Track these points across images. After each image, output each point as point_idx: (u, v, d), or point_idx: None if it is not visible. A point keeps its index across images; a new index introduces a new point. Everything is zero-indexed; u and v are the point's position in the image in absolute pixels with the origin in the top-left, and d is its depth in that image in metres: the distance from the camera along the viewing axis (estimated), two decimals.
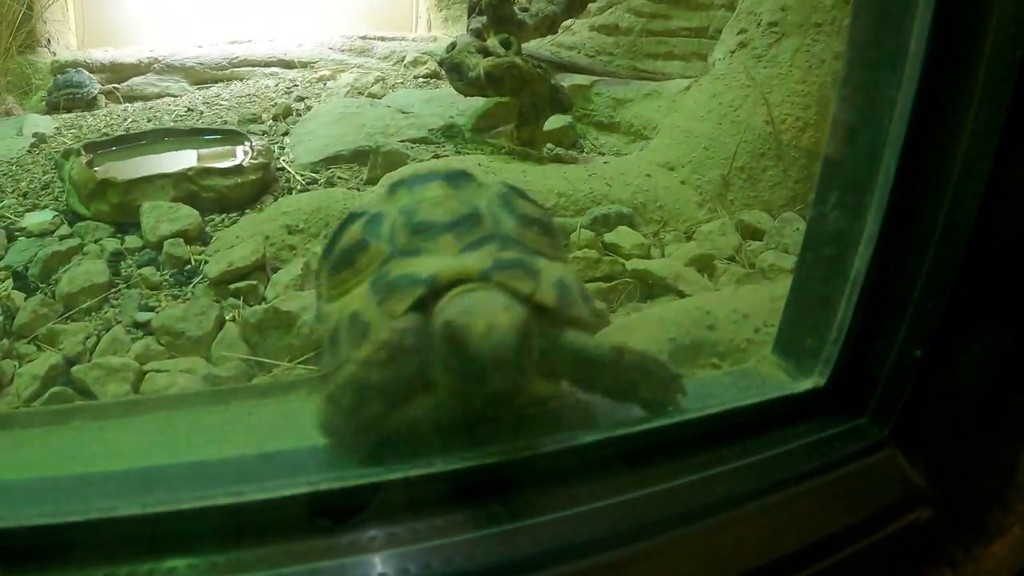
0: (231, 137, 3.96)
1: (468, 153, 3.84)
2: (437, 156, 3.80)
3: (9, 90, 5.74)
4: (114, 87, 5.95)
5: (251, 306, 2.59)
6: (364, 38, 6.75)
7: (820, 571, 1.10)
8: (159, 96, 5.89)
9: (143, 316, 2.60)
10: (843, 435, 1.20)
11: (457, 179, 1.26)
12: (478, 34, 5.02)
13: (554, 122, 3.81)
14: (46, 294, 2.80)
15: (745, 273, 2.77)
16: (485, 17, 4.94)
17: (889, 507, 1.17)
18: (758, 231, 3.11)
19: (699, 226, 3.17)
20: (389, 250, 1.18)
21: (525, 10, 4.50)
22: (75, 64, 6.05)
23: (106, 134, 4.54)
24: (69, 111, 5.54)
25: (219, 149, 3.89)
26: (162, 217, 3.07)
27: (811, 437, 1.18)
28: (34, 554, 0.90)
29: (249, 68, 6.32)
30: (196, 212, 3.13)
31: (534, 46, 4.96)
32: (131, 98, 5.87)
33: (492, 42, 3.97)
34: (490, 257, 1.14)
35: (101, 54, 6.31)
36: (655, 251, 2.97)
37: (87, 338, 2.53)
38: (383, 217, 1.23)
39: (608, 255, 2.82)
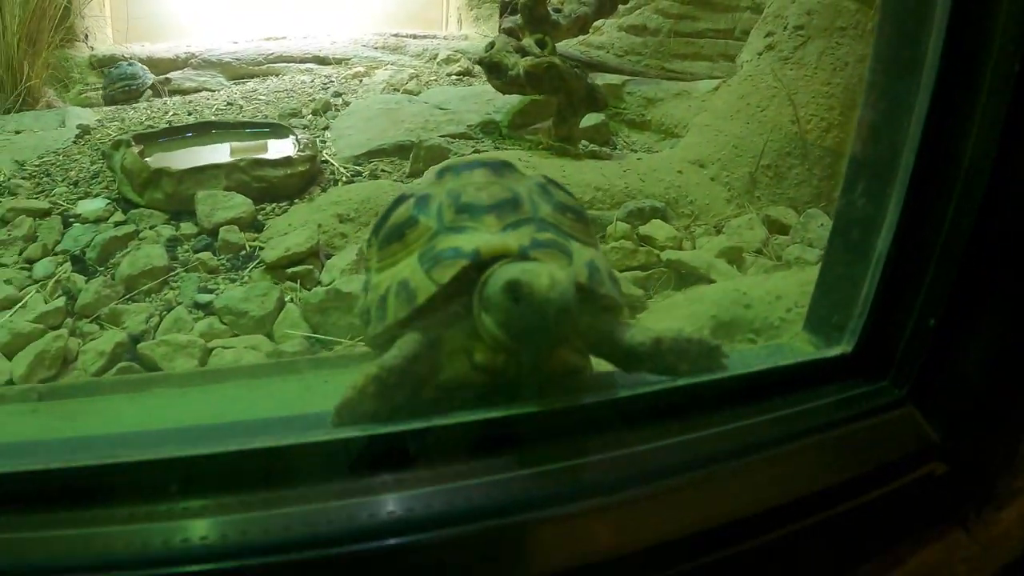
0: (276, 131, 4.11)
1: (508, 148, 3.99)
2: (477, 151, 3.95)
3: (49, 84, 5.89)
4: (166, 78, 6.13)
5: (307, 289, 2.77)
6: (396, 36, 6.88)
7: (847, 511, 1.27)
8: (197, 90, 6.02)
9: (203, 298, 2.79)
10: (867, 394, 1.37)
11: (499, 168, 1.41)
12: (511, 33, 5.18)
13: (589, 120, 3.96)
14: (106, 276, 2.96)
15: (772, 265, 2.94)
16: (518, 17, 5.12)
17: (907, 457, 1.35)
18: (784, 226, 3.29)
19: (728, 220, 3.34)
20: (436, 226, 1.31)
21: (558, 11, 4.63)
22: (113, 59, 6.20)
23: (151, 126, 4.70)
24: (124, 103, 5.68)
25: (265, 142, 4.06)
26: (217, 205, 3.25)
27: (839, 396, 1.35)
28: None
29: (284, 64, 6.44)
30: (249, 201, 3.31)
31: (564, 46, 5.11)
32: (170, 92, 6.02)
33: (528, 42, 4.13)
34: (528, 236, 1.26)
35: (139, 48, 6.46)
36: (687, 243, 3.14)
37: (149, 317, 2.72)
38: (431, 198, 1.36)
39: (643, 246, 2.99)
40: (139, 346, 2.55)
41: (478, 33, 6.97)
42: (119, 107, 5.63)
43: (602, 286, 1.29)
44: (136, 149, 3.61)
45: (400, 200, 1.45)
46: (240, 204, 3.26)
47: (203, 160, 3.68)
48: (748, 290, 2.11)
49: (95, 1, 6.47)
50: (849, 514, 1.30)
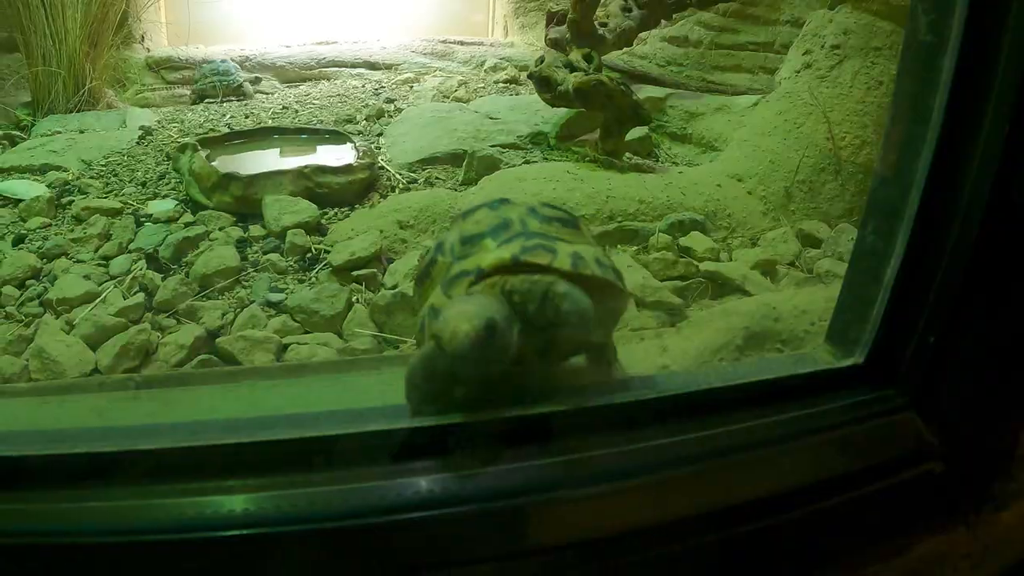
0: (334, 137, 4.38)
1: (555, 160, 4.21)
2: (527, 161, 4.19)
3: (108, 84, 6.13)
4: (257, 76, 6.40)
5: (371, 291, 3.03)
6: (444, 42, 7.08)
7: (854, 497, 1.51)
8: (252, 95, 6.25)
9: (274, 296, 3.03)
10: (873, 400, 1.61)
11: (496, 204, 1.67)
12: (556, 43, 5.40)
13: (633, 133, 4.16)
14: (182, 275, 3.21)
15: (804, 278, 3.16)
16: (564, 28, 5.34)
17: (907, 455, 1.58)
18: (816, 239, 3.49)
19: (763, 233, 3.56)
20: (451, 259, 1.59)
21: (604, 25, 4.84)
22: (169, 61, 6.53)
23: (212, 129, 4.97)
24: (216, 100, 5.97)
25: (324, 148, 4.31)
26: (284, 209, 3.50)
27: (848, 400, 1.59)
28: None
29: (336, 68, 6.68)
30: (314, 206, 3.56)
31: (608, 58, 5.32)
32: (225, 94, 6.31)
33: (575, 56, 4.34)
34: (518, 246, 1.51)
35: (194, 51, 6.73)
36: (724, 255, 3.36)
37: (224, 314, 2.97)
38: (445, 240, 1.65)
39: (683, 257, 3.22)
40: (218, 340, 2.80)
41: (524, 41, 7.16)
42: (177, 108, 5.91)
43: (586, 268, 1.52)
44: (203, 153, 3.87)
45: (426, 250, 1.77)
46: (306, 209, 3.51)
47: (267, 165, 3.94)
48: (778, 305, 2.34)
49: (151, 5, 6.72)
50: (857, 500, 1.53)
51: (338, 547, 1.29)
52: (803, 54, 4.29)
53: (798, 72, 4.25)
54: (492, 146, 4.31)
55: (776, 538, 1.50)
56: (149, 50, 6.78)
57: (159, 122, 5.48)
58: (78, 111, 5.69)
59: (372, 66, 6.75)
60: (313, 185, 3.68)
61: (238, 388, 2.34)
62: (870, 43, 4.06)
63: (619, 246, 3.39)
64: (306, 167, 3.70)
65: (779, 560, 1.55)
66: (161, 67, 6.57)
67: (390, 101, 5.60)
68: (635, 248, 3.37)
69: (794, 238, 3.48)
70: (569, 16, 4.65)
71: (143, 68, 6.60)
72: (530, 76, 4.37)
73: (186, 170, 3.89)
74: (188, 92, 6.34)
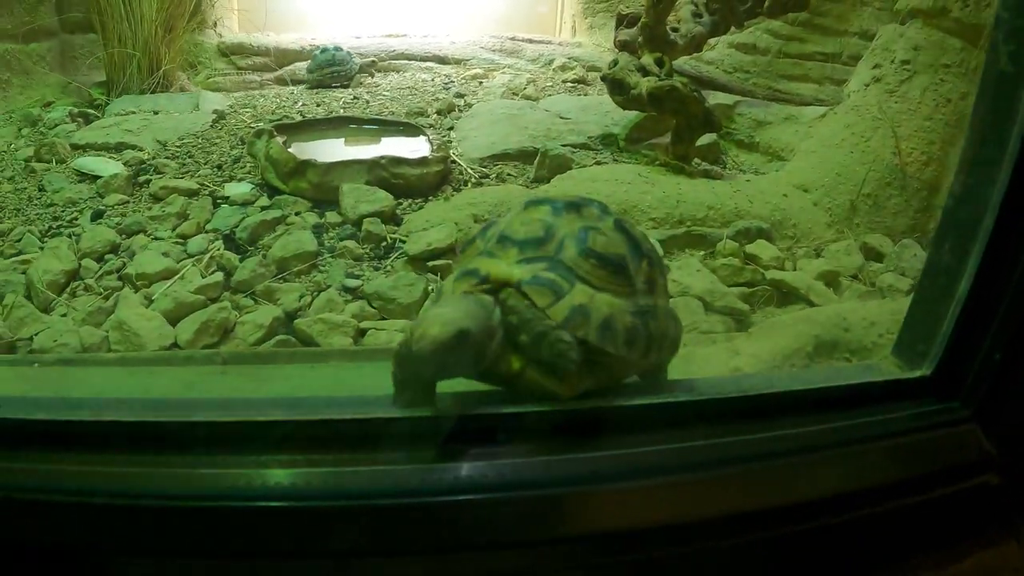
0: (408, 129, 4.51)
1: (625, 162, 4.32)
2: (598, 162, 4.30)
3: (181, 68, 6.34)
4: (373, 61, 6.58)
5: (445, 280, 3.14)
6: (513, 39, 7.20)
7: (913, 504, 1.59)
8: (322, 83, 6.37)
9: (351, 282, 3.17)
10: (938, 411, 1.69)
11: (560, 209, 1.59)
12: (625, 46, 5.49)
13: (702, 139, 4.26)
14: (259, 257, 3.33)
15: (867, 291, 3.25)
16: (635, 30, 5.42)
17: (967, 465, 1.66)
18: (880, 254, 3.58)
19: (828, 244, 3.64)
20: (482, 248, 1.56)
21: (675, 30, 4.93)
22: (241, 47, 6.71)
23: (287, 116, 5.11)
24: (331, 87, 6.13)
25: (398, 139, 4.45)
26: (361, 198, 3.64)
27: (915, 410, 1.67)
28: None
29: (406, 61, 6.80)
30: (390, 196, 3.69)
31: (676, 62, 5.41)
32: (296, 81, 6.44)
33: (647, 60, 4.44)
34: (532, 273, 1.45)
35: (265, 38, 6.90)
36: (788, 263, 3.45)
37: (301, 297, 3.12)
38: (495, 225, 1.61)
39: (749, 264, 3.32)
40: (296, 322, 2.94)
41: (592, 41, 7.26)
42: (248, 93, 6.11)
43: (579, 328, 1.44)
44: (280, 139, 4.00)
45: (479, 227, 1.74)
46: (382, 198, 3.65)
47: (343, 154, 4.07)
48: (847, 315, 2.43)
49: None
50: (915, 507, 1.61)
51: (376, 524, 1.37)
52: (872, 68, 4.35)
53: (867, 86, 4.31)
54: (563, 145, 4.41)
55: (833, 539, 1.58)
56: (221, 36, 6.95)
57: (231, 106, 5.62)
58: (151, 92, 5.86)
59: (441, 60, 6.87)
60: (389, 176, 3.80)
61: (323, 368, 2.45)
62: (940, 60, 4.12)
63: (688, 250, 3.48)
64: (383, 158, 3.82)
65: (836, 560, 1.64)
66: (233, 53, 6.73)
67: (460, 96, 5.70)
68: (703, 253, 3.46)
69: (857, 251, 3.56)
70: (642, 20, 4.73)
71: (215, 53, 6.78)
72: (603, 78, 4.48)
73: (262, 155, 4.01)
74: (259, 78, 6.50)
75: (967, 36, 4.06)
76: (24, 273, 3.29)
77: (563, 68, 6.59)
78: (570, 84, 6.20)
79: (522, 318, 1.45)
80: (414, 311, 2.96)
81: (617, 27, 6.05)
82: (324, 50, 6.28)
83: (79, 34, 6.45)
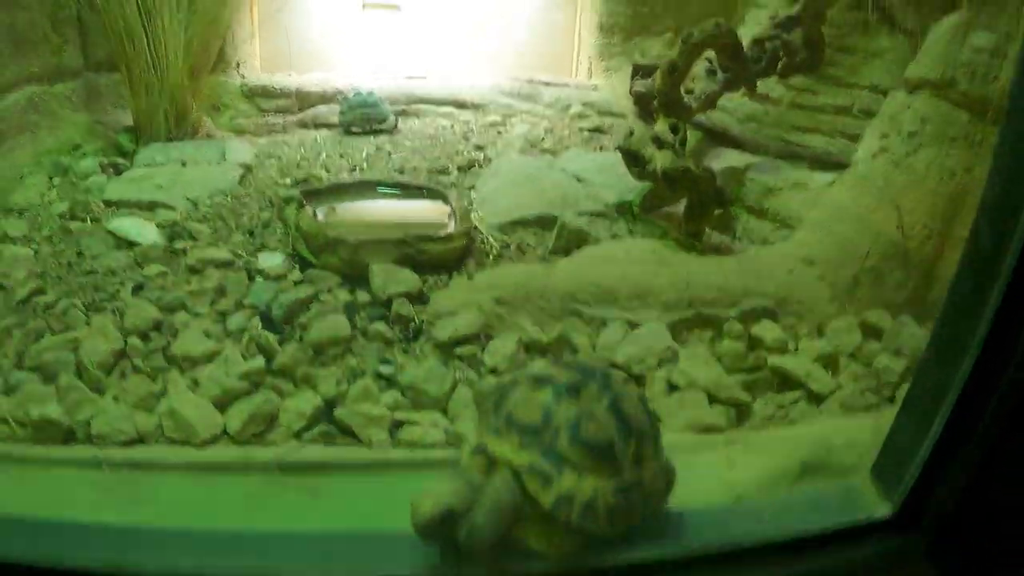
0: (432, 194, 4.83)
1: (639, 234, 4.65)
2: (614, 235, 4.61)
3: (207, 111, 6.64)
4: (403, 109, 6.88)
5: (473, 369, 3.48)
6: (530, 82, 7.49)
7: None
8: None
9: (385, 369, 3.47)
10: (898, 548, 2.00)
11: (563, 392, 1.91)
12: (640, 98, 5.91)
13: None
14: (297, 340, 3.64)
15: (863, 373, 3.57)
16: (649, 83, 5.77)
17: None
18: (879, 330, 3.84)
19: (830, 320, 3.91)
20: (493, 426, 1.90)
21: (690, 92, 5.22)
22: (264, 90, 7.05)
23: (312, 175, 5.43)
24: (363, 133, 6.45)
25: (422, 205, 4.78)
26: (389, 279, 3.93)
27: (876, 548, 1.99)
28: None
29: (425, 106, 7.11)
30: (416, 277, 3.99)
31: None
32: (318, 125, 6.76)
33: (662, 127, 4.70)
34: (527, 459, 1.81)
35: (287, 79, 7.24)
36: (791, 343, 3.75)
37: (339, 383, 3.41)
38: (506, 401, 1.94)
39: (753, 350, 3.65)
40: (336, 412, 3.25)
41: (608, 84, 7.53)
42: (272, 139, 6.46)
43: (564, 513, 1.79)
44: (310, 209, 4.32)
45: (500, 387, 2.06)
46: (409, 279, 3.95)
47: (370, 223, 4.42)
48: (831, 436, 2.78)
49: (244, 30, 7.21)
50: None
51: None
52: (880, 137, 4.56)
53: (874, 156, 4.53)
54: (580, 213, 4.73)
55: None
56: (244, 76, 7.27)
57: (257, 156, 5.96)
58: (179, 140, 6.18)
59: (460, 105, 7.15)
60: (415, 252, 4.10)
61: (371, 480, 2.82)
62: (946, 133, 4.26)
63: (696, 331, 3.80)
64: (409, 235, 4.12)
65: None
66: (256, 95, 7.06)
67: (479, 148, 6.04)
68: (711, 334, 3.78)
69: (857, 329, 3.85)
70: (657, 86, 5.01)
71: (238, 94, 7.11)
72: (619, 149, 4.75)
73: (293, 225, 4.33)
74: (282, 121, 6.81)
75: (974, 109, 4.17)
76: (74, 351, 3.54)
77: (580, 116, 6.89)
78: (587, 133, 6.53)
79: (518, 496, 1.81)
80: (444, 402, 3.28)
81: (633, 77, 6.41)
82: (357, 93, 6.56)
83: (103, 73, 6.75)
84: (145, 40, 5.99)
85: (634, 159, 4.63)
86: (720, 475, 2.77)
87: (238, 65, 7.30)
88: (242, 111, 7.03)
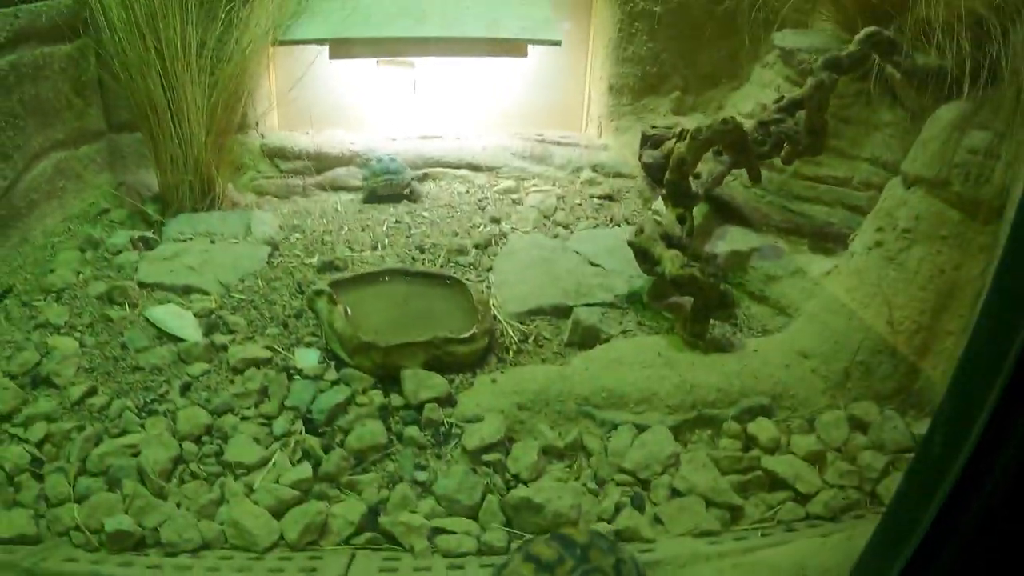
0: (454, 284, 5.38)
1: (647, 327, 5.20)
2: (624, 330, 5.14)
3: (230, 175, 7.18)
4: (424, 173, 7.42)
5: (499, 475, 4.07)
6: (542, 141, 7.92)
7: None
8: (360, 188, 7.25)
9: (420, 475, 4.06)
10: None
11: (544, 569, 2.70)
12: (648, 168, 6.59)
13: None
14: (338, 443, 4.23)
15: (847, 470, 4.20)
16: (658, 152, 6.41)
17: None
18: (865, 424, 4.42)
19: (821, 413, 4.48)
20: None
21: (697, 177, 5.71)
22: (282, 151, 7.53)
23: (337, 258, 6.00)
24: (384, 199, 7.04)
25: (447, 297, 5.33)
26: (420, 384, 4.50)
27: None
28: None
29: (441, 169, 7.60)
30: (444, 381, 4.55)
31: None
32: (336, 187, 7.39)
33: (669, 219, 5.30)
34: None
35: (305, 140, 7.67)
36: (784, 439, 4.37)
37: (380, 488, 4.02)
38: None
39: (748, 449, 4.29)
40: (380, 520, 3.86)
41: (617, 144, 7.98)
42: (295, 209, 7.01)
43: None
44: (342, 309, 4.91)
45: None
46: (439, 384, 4.53)
47: (400, 319, 5.07)
48: (807, 561, 3.37)
49: (263, 90, 7.69)
50: None
51: None
52: (876, 231, 5.00)
53: (870, 249, 4.99)
54: (592, 304, 5.35)
55: None
56: (264, 136, 7.78)
57: (281, 228, 6.54)
58: (205, 210, 6.76)
59: (474, 168, 7.65)
60: (442, 354, 4.68)
61: None
62: (938, 231, 4.65)
63: (697, 431, 4.43)
64: (436, 338, 4.69)
65: None
66: (275, 155, 7.61)
67: (495, 221, 6.61)
68: (711, 432, 4.42)
69: (845, 423, 4.44)
70: (667, 177, 5.52)
71: (258, 154, 7.63)
72: (630, 244, 5.28)
73: (326, 322, 4.92)
74: (301, 182, 7.42)
75: (966, 209, 4.53)
76: (135, 456, 4.09)
77: (591, 183, 7.41)
78: (597, 202, 7.10)
79: None
80: (476, 511, 3.90)
81: (642, 146, 6.95)
82: (379, 160, 7.08)
83: (125, 133, 7.27)
84: (168, 112, 6.50)
85: (644, 256, 5.17)
86: None
87: (257, 124, 7.75)
88: (262, 171, 7.53)
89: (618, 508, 3.97)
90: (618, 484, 4.12)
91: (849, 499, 4.11)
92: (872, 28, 5.54)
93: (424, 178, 7.53)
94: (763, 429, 4.41)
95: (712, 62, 7.98)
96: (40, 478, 4.08)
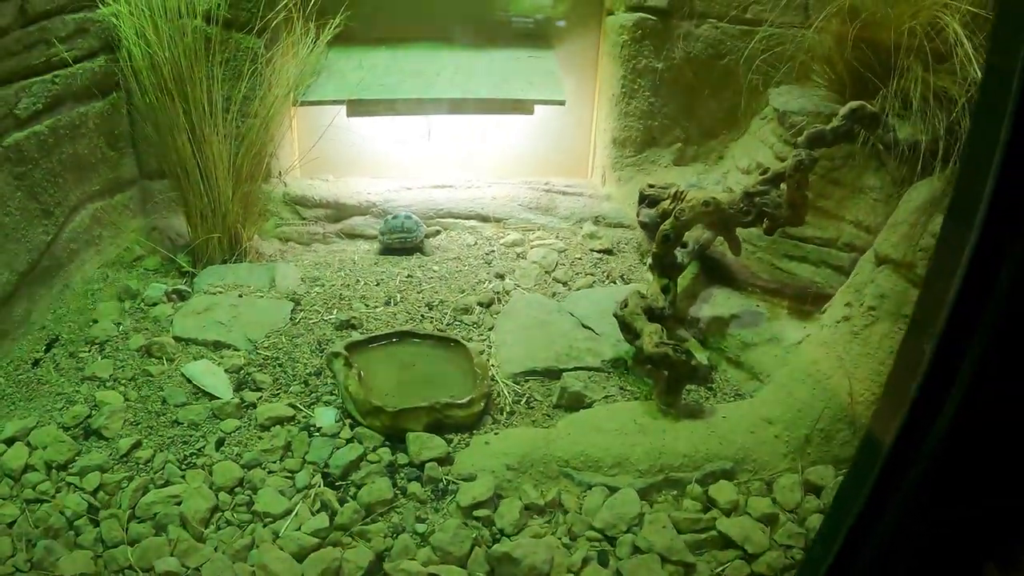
0: (457, 348, 6.22)
1: (628, 391, 5.96)
2: (607, 395, 5.73)
3: (256, 225, 7.96)
4: (437, 229, 8.35)
5: (487, 528, 4.72)
6: (548, 190, 8.83)
7: None
8: (376, 237, 8.09)
9: (420, 527, 4.68)
10: None
11: None
12: (644, 226, 7.38)
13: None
14: (351, 496, 4.89)
15: (796, 532, 4.86)
16: (654, 212, 7.14)
17: None
18: (819, 487, 4.93)
19: (779, 476, 5.02)
20: None
21: (684, 246, 6.46)
22: (304, 200, 8.45)
23: (354, 318, 6.81)
24: (399, 253, 7.94)
25: (449, 360, 6.15)
26: (423, 446, 5.19)
27: None
28: None
29: (452, 219, 8.48)
30: (444, 442, 5.23)
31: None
32: (353, 236, 8.32)
33: (654, 289, 6.11)
34: None
35: (326, 189, 8.56)
36: (742, 500, 4.89)
37: (385, 537, 4.61)
38: None
39: (707, 510, 4.85)
40: (385, 566, 4.47)
41: (620, 193, 8.66)
42: (317, 262, 7.86)
43: None
44: (355, 374, 5.78)
45: None
46: (439, 445, 5.20)
47: (406, 383, 5.95)
48: None
49: (284, 139, 8.39)
50: None
51: None
52: (844, 306, 5.57)
53: (838, 323, 5.57)
54: (580, 368, 6.20)
55: None
56: (286, 184, 8.55)
57: (303, 281, 7.36)
58: (232, 262, 7.67)
59: (483, 219, 8.53)
60: (443, 417, 5.35)
61: None
62: (900, 310, 5.11)
63: (663, 492, 5.14)
64: (438, 403, 5.49)
65: None
66: (296, 203, 8.51)
67: (500, 277, 7.44)
68: (674, 494, 5.11)
69: (799, 487, 4.98)
70: (653, 251, 6.27)
71: (281, 202, 8.46)
72: (615, 316, 6.04)
73: (342, 384, 5.73)
74: (322, 230, 8.33)
75: None
76: (178, 506, 4.76)
77: (591, 236, 8.22)
78: (596, 256, 7.92)
79: None
80: (464, 560, 4.57)
81: (640, 204, 7.73)
82: (396, 217, 7.93)
83: (156, 180, 8.09)
84: (197, 170, 7.24)
85: (627, 328, 5.96)
86: None
87: (280, 174, 8.56)
88: (285, 219, 8.42)
89: (585, 562, 4.60)
90: (588, 540, 4.74)
91: (793, 559, 4.62)
92: (856, 103, 6.13)
93: (433, 233, 8.34)
94: (723, 492, 4.99)
95: (712, 115, 8.73)
96: (96, 523, 4.75)
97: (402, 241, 7.91)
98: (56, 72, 6.69)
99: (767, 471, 5.23)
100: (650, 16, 8.45)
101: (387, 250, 7.96)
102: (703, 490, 5.10)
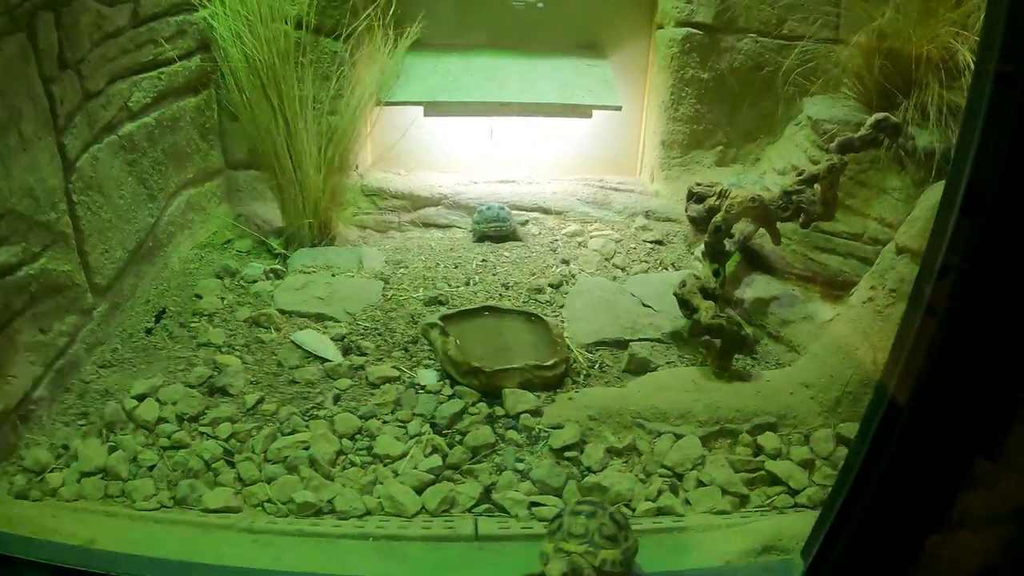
0: (538, 321, 6.81)
1: (685, 359, 6.65)
2: (668, 361, 6.58)
3: (339, 215, 8.52)
4: (526, 221, 8.91)
5: (575, 466, 5.31)
6: (602, 186, 9.54)
7: None
8: (448, 227, 8.88)
9: (519, 466, 5.23)
10: None
11: (591, 515, 4.25)
12: (693, 221, 8.19)
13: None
14: (458, 442, 5.43)
15: (831, 473, 5.33)
16: (701, 207, 7.99)
17: None
18: (848, 440, 5.45)
19: (815, 431, 5.65)
20: (564, 535, 4.12)
21: (731, 236, 7.13)
22: (381, 192, 9.13)
23: (441, 294, 7.44)
24: (493, 241, 8.61)
25: (533, 330, 6.83)
26: (517, 400, 5.80)
27: None
28: None
29: (517, 211, 9.02)
30: (534, 396, 5.84)
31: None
32: (427, 225, 8.99)
33: (706, 273, 6.78)
34: (583, 549, 4.03)
35: (400, 182, 9.21)
36: (785, 449, 5.50)
37: (491, 474, 5.18)
38: (564, 520, 4.27)
39: (756, 455, 5.50)
40: (493, 495, 5.02)
41: (668, 191, 9.50)
42: (396, 246, 8.62)
43: (604, 568, 4.04)
44: (452, 340, 6.20)
45: (560, 513, 4.33)
46: (531, 400, 5.84)
47: (500, 348, 6.65)
48: (783, 531, 4.39)
49: (361, 133, 8.82)
50: None
51: None
52: (870, 288, 6.03)
53: (863, 303, 6.05)
54: (644, 339, 6.89)
55: None
56: (363, 176, 9.14)
57: (387, 264, 8.01)
58: (320, 245, 8.23)
59: (545, 211, 9.21)
60: (531, 377, 6.03)
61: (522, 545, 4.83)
62: None
63: (719, 440, 5.71)
64: (527, 365, 6.08)
65: None
66: (373, 195, 9.18)
67: (565, 262, 8.12)
68: (728, 442, 5.70)
69: (832, 439, 5.60)
70: (706, 240, 7.05)
71: (358, 192, 9.08)
72: (675, 295, 6.79)
73: (440, 350, 6.24)
74: (397, 219, 9.00)
75: None
76: (306, 450, 5.29)
77: (644, 228, 8.92)
78: (650, 246, 8.62)
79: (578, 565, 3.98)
80: (561, 491, 5.14)
81: (688, 200, 8.55)
82: (490, 208, 8.63)
83: (241, 170, 8.84)
84: (290, 162, 7.90)
85: (685, 305, 6.62)
86: (716, 547, 4.71)
87: (357, 166, 9.14)
88: (362, 208, 9.09)
89: (659, 492, 5.17)
90: (660, 476, 5.31)
91: (824, 496, 4.94)
92: (881, 115, 6.99)
93: (525, 223, 9.01)
94: (768, 440, 5.60)
95: (751, 121, 9.39)
96: (232, 465, 5.28)
97: (497, 229, 8.59)
98: (162, 69, 7.35)
99: (805, 426, 5.85)
100: (697, 31, 9.13)
101: (482, 237, 8.63)
102: (752, 439, 5.68)
